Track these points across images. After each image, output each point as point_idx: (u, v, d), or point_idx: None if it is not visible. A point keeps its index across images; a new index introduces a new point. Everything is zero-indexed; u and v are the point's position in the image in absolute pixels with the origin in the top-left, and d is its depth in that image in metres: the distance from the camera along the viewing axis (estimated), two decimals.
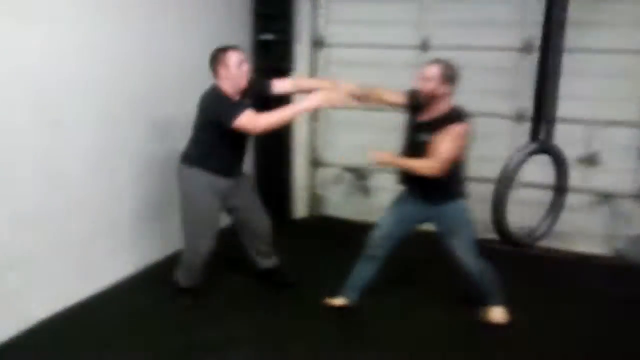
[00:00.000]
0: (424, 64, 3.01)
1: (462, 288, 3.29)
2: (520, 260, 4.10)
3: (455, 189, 3.07)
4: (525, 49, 4.21)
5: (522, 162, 3.48)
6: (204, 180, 3.11)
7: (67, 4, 2.99)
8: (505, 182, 3.43)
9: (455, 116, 2.91)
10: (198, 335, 3.03)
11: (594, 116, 4.17)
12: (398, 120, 3.22)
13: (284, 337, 3.08)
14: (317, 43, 4.90)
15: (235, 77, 3.03)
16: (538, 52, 3.53)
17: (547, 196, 3.89)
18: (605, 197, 4.29)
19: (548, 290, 3.75)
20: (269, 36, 4.71)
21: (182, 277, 3.35)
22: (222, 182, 3.16)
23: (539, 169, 3.83)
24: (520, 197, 4.27)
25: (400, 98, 3.12)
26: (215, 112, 2.99)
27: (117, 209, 3.55)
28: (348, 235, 3.97)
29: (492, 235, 3.58)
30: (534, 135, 3.57)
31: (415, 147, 2.99)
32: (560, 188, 3.80)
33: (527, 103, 3.79)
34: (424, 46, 4.53)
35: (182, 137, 3.20)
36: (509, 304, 3.24)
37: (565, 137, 3.74)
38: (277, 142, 4.80)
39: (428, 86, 2.90)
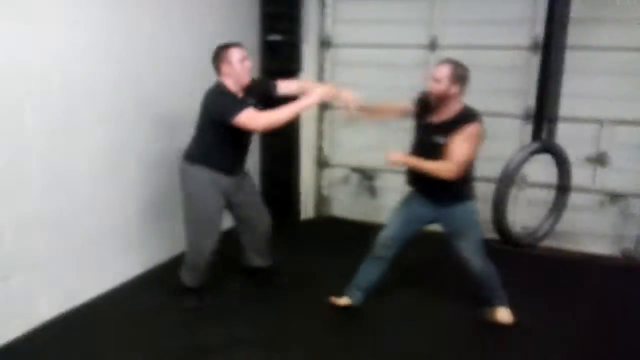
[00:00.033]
0: (433, 63, 2.98)
1: (469, 289, 3.27)
2: (528, 261, 4.07)
3: (465, 191, 3.03)
4: (534, 47, 4.18)
5: (523, 161, 3.46)
6: (206, 177, 3.10)
7: (74, 4, 3.00)
8: (505, 182, 3.41)
9: (468, 116, 2.86)
10: (200, 336, 3.03)
11: (603, 115, 4.13)
12: (405, 121, 3.20)
13: (288, 337, 3.06)
14: (325, 43, 4.90)
15: (237, 73, 3.02)
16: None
17: (551, 196, 3.86)
18: (614, 197, 4.25)
19: (556, 290, 3.71)
20: (276, 37, 4.71)
21: (186, 277, 3.34)
22: (224, 180, 3.15)
23: (543, 168, 3.80)
24: (525, 197, 4.25)
25: (408, 106, 3.09)
26: (216, 109, 2.99)
27: (125, 209, 3.56)
28: (355, 236, 3.96)
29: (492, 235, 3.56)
30: (536, 134, 3.54)
31: (427, 148, 2.92)
32: (562, 187, 3.77)
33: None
34: (432, 45, 4.51)
35: (189, 136, 3.20)
36: (515, 304, 3.21)
37: (573, 136, 3.71)
38: (283, 143, 4.81)
39: (439, 87, 2.85)
